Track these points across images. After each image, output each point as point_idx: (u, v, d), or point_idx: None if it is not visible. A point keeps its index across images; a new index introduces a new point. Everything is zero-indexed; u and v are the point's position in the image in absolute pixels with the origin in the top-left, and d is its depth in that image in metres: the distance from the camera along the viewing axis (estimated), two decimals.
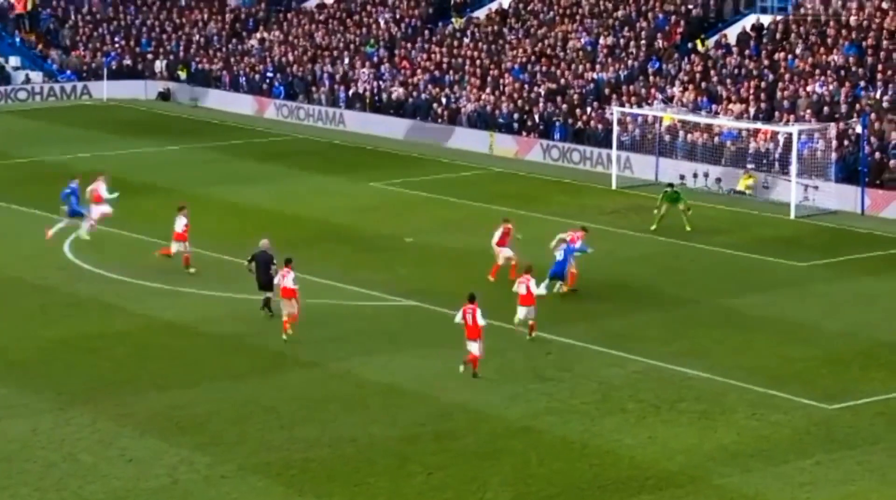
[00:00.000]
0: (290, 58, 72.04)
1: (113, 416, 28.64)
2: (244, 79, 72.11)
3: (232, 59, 74.24)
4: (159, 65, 75.81)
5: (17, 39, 77.10)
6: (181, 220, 39.96)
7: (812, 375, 31.58)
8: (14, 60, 75.24)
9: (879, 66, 54.29)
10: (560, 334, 33.98)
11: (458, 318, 31.08)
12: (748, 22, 61.17)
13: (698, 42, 61.09)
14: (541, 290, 34.42)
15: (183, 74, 74.84)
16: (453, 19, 70.85)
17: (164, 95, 74.57)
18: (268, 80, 70.99)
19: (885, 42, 55.71)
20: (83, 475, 25.77)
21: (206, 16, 79.76)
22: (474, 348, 30.74)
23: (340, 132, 65.09)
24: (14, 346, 33.49)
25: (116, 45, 77.14)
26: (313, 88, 68.97)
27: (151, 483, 25.46)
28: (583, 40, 64.06)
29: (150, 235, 44.04)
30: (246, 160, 58.12)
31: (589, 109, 58.52)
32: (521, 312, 33.42)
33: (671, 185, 46.94)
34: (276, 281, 34.39)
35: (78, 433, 27.75)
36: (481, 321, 30.70)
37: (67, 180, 42.94)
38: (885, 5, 57.70)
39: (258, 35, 76.49)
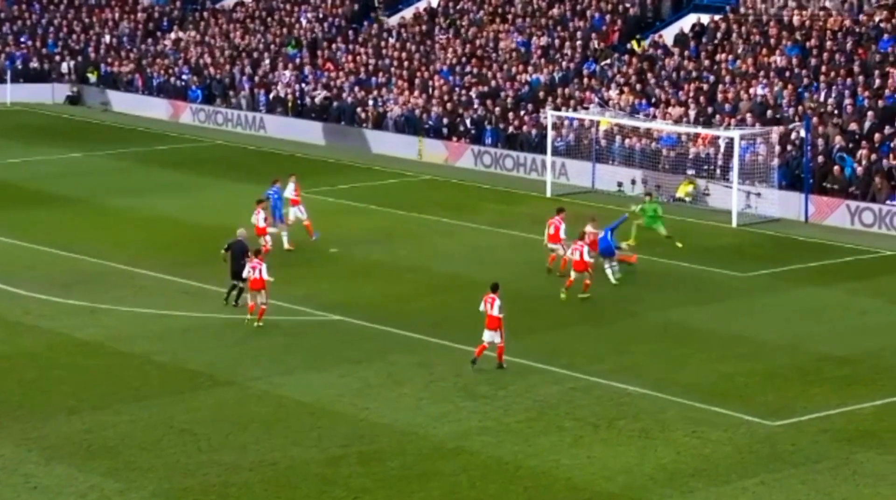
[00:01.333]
0: (208, 59, 71.78)
1: (17, 441, 28.36)
2: (158, 81, 71.77)
3: (145, 61, 73.84)
4: (67, 67, 75.27)
5: None
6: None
7: (754, 390, 31.87)
8: None
9: (823, 68, 54.85)
10: (493, 348, 34.03)
11: (482, 306, 32.98)
12: (687, 22, 61.64)
13: (634, 43, 61.49)
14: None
15: (93, 77, 74.34)
16: (379, 15, 70.88)
17: (73, 99, 74.04)
18: (183, 83, 70.71)
19: (828, 43, 56.30)
20: None
21: (117, 15, 79.26)
22: (495, 337, 32.60)
23: (260, 138, 64.91)
24: None
25: (21, 46, 76.49)
26: (231, 92, 68.78)
27: None
28: (515, 41, 64.34)
29: (57, 248, 43.70)
30: (159, 168, 57.78)
31: (522, 113, 58.75)
32: (575, 275, 38.33)
33: (649, 194, 47.09)
34: (245, 273, 36.00)
35: None
36: (496, 313, 32.55)
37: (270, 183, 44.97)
38: (827, 4, 58.35)
39: (173, 35, 76.13)
